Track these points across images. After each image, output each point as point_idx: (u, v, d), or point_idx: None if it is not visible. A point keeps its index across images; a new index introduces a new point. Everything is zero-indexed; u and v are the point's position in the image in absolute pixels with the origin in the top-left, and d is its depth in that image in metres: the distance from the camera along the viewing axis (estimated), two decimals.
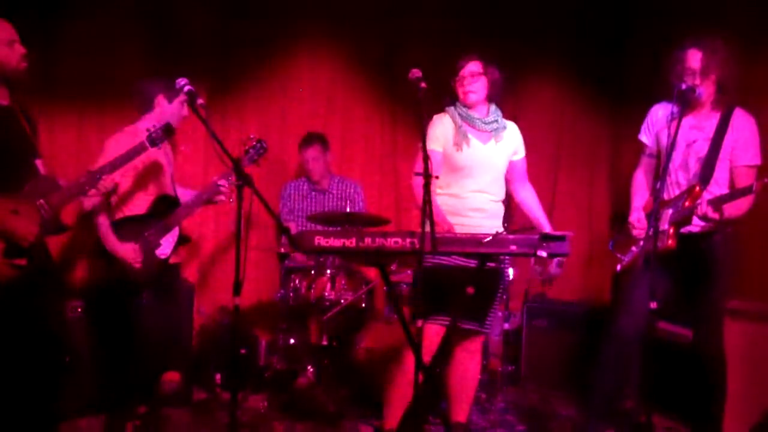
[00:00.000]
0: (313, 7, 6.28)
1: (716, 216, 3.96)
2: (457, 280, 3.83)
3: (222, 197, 4.73)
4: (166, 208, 4.62)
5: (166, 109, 4.69)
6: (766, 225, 4.90)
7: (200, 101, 3.66)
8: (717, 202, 3.97)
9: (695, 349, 4.39)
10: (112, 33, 5.65)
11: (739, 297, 4.63)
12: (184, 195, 4.80)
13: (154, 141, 4.13)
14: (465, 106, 4.21)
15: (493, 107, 4.27)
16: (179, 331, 5.50)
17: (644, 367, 4.26)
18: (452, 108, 4.25)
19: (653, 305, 3.75)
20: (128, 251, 4.46)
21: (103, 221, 4.44)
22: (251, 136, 4.84)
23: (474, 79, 4.17)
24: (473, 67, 4.19)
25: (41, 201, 3.72)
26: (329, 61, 6.44)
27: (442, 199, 4.16)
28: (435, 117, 4.24)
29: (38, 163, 3.89)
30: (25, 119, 3.87)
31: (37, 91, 5.33)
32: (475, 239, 3.61)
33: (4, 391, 3.71)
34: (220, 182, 4.71)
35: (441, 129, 4.18)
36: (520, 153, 4.40)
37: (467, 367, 4.20)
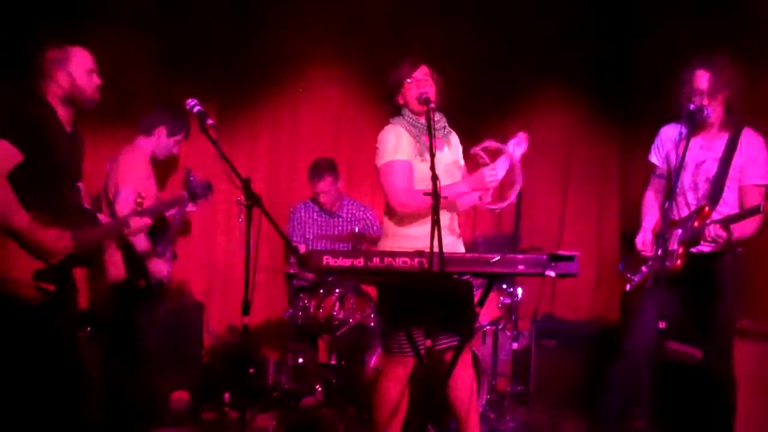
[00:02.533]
0: (326, 25, 6.31)
1: (725, 236, 3.96)
2: (421, 290, 3.66)
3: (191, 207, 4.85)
4: (159, 225, 4.74)
5: (162, 142, 4.99)
6: None
7: (210, 122, 3.69)
8: (725, 222, 3.97)
9: (705, 368, 4.38)
10: (123, 47, 5.67)
11: (749, 317, 4.63)
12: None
13: (194, 197, 4.35)
14: (414, 113, 3.97)
15: (438, 114, 4.02)
16: (187, 345, 5.54)
17: (653, 386, 4.25)
18: (400, 118, 4.00)
19: (662, 325, 3.75)
20: (162, 266, 4.74)
21: (142, 237, 4.61)
22: (185, 167, 4.98)
23: (428, 81, 3.95)
24: (425, 70, 3.98)
25: (75, 231, 3.71)
26: (340, 79, 6.48)
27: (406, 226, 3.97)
28: (388, 128, 4.01)
29: (80, 186, 3.93)
30: (75, 142, 3.90)
31: None
32: (483, 259, 3.60)
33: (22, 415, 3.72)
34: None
35: (403, 139, 3.95)
36: (461, 161, 4.18)
37: (462, 378, 4.12)
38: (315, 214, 6.01)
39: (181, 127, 5.03)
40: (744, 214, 4.02)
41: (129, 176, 4.69)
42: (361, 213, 6.03)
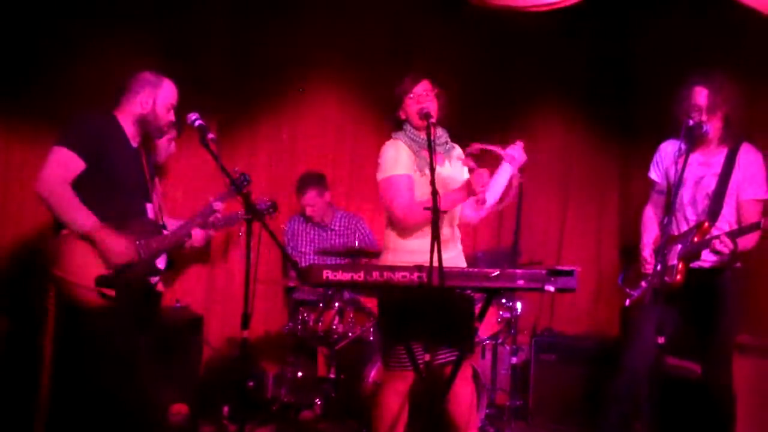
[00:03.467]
0: (326, 39, 6.32)
1: (732, 248, 4.01)
2: (421, 304, 3.64)
3: (218, 216, 4.77)
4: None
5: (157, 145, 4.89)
6: None
7: (211, 135, 3.71)
8: (732, 236, 4.01)
9: (704, 383, 4.38)
10: (123, 59, 5.68)
11: (748, 332, 4.63)
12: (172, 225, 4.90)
13: (261, 215, 4.32)
14: (415, 128, 4.01)
15: (439, 129, 4.05)
16: (186, 358, 5.53)
17: (653, 401, 4.25)
18: (401, 133, 4.04)
19: (661, 340, 3.75)
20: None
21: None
22: (235, 169, 4.93)
23: (429, 96, 3.97)
24: (426, 85, 4.01)
25: (140, 241, 3.81)
26: (340, 92, 6.49)
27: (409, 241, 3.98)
28: (389, 143, 4.05)
29: (150, 207, 4.01)
30: (147, 163, 4.03)
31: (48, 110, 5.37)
32: (482, 274, 3.61)
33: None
34: (214, 204, 4.75)
35: (403, 154, 3.98)
36: (465, 174, 4.14)
37: (461, 393, 4.12)
38: (308, 227, 6.02)
39: (172, 127, 5.03)
40: (744, 229, 4.06)
41: None
42: (354, 225, 6.04)
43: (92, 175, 3.70)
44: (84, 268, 3.63)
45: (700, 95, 4.19)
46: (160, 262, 4.73)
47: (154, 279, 4.71)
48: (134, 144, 3.93)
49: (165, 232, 4.01)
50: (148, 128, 3.94)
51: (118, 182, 3.81)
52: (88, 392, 3.71)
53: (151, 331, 4.86)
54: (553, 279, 3.56)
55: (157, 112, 3.91)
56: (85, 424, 3.70)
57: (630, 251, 4.71)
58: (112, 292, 3.65)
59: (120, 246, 3.71)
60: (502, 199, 4.01)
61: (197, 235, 4.17)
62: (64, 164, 3.68)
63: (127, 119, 3.90)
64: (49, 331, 3.93)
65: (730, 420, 4.30)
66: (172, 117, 3.98)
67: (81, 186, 3.70)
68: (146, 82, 3.94)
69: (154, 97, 3.91)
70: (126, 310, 3.76)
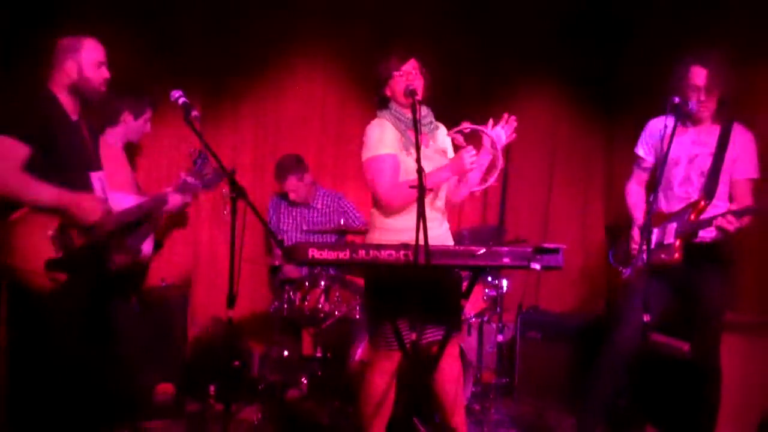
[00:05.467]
0: (311, 17, 6.29)
1: (736, 225, 4.04)
2: (407, 283, 3.65)
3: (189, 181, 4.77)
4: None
5: (131, 126, 4.97)
6: (763, 239, 4.93)
7: (195, 113, 3.67)
8: (737, 215, 4.05)
9: (691, 360, 4.41)
10: (105, 39, 5.62)
11: (736, 310, 4.65)
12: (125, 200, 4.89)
13: (208, 185, 4.41)
14: (400, 106, 3.97)
15: (424, 108, 4.03)
16: (172, 337, 5.53)
17: (639, 378, 4.27)
18: (386, 112, 4.00)
19: (647, 318, 3.76)
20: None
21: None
22: (193, 149, 4.91)
23: (416, 75, 3.94)
24: (413, 63, 3.96)
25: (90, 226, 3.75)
26: (324, 67, 6.46)
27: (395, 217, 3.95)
28: (373, 122, 4.01)
29: (95, 175, 3.92)
30: (90, 133, 3.96)
31: None
32: (468, 251, 3.60)
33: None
34: (186, 179, 4.74)
35: (388, 133, 3.96)
36: (450, 153, 4.14)
37: (448, 372, 4.13)
38: (290, 206, 6.01)
39: (146, 105, 4.99)
40: (748, 211, 4.09)
41: None
42: (336, 203, 6.03)
43: (37, 157, 3.63)
44: (33, 253, 3.57)
45: (699, 76, 4.18)
46: (147, 245, 4.74)
47: (147, 254, 4.74)
48: (74, 117, 3.84)
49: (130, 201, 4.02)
50: (85, 94, 3.82)
51: (62, 159, 3.72)
52: (45, 377, 3.66)
53: (134, 307, 4.88)
54: (539, 257, 3.57)
55: (85, 74, 3.79)
56: (45, 411, 3.67)
57: (615, 228, 4.70)
58: (62, 276, 3.61)
59: (91, 202, 3.68)
60: (485, 179, 3.98)
61: (174, 200, 4.20)
62: (9, 153, 3.59)
63: (61, 92, 3.80)
64: (1, 318, 3.86)
65: (714, 396, 4.32)
66: (104, 74, 3.85)
67: (28, 168, 3.62)
68: (66, 49, 3.81)
69: (78, 61, 3.78)
70: (79, 292, 3.72)
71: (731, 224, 4.05)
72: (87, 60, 3.81)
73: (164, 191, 4.22)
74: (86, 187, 3.81)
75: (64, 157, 3.73)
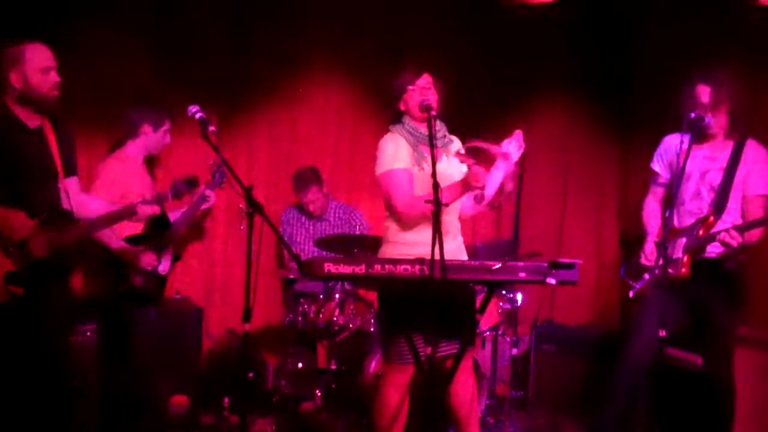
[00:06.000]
0: (325, 32, 6.30)
1: (740, 240, 4.04)
2: (422, 297, 3.68)
3: (207, 205, 5.15)
4: (159, 226, 4.82)
5: (151, 137, 4.98)
6: None
7: (212, 128, 3.69)
8: (741, 229, 4.04)
9: (705, 375, 4.40)
10: (121, 49, 5.67)
11: (749, 324, 4.64)
12: (172, 215, 5.05)
13: (178, 194, 4.34)
14: (414, 120, 3.97)
15: (438, 122, 4.02)
16: (186, 350, 5.55)
17: (653, 393, 4.27)
18: (399, 126, 4.00)
19: (663, 333, 3.76)
20: (147, 258, 4.69)
21: (113, 235, 4.55)
22: (212, 162, 5.12)
23: (430, 89, 3.93)
24: (427, 78, 3.96)
25: (52, 234, 3.72)
26: (339, 85, 6.46)
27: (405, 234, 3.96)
28: (386, 137, 4.01)
29: (71, 182, 3.92)
30: (59, 139, 3.88)
31: None
32: (484, 266, 3.61)
33: (7, 415, 3.73)
34: (205, 192, 5.09)
35: (402, 148, 3.94)
36: (464, 168, 4.04)
37: (462, 385, 4.13)
38: (302, 217, 6.03)
39: (164, 116, 5.02)
40: (755, 223, 4.11)
41: (100, 186, 4.70)
42: (348, 216, 6.04)
43: None
44: None
45: (703, 93, 4.22)
46: (165, 257, 4.80)
47: (165, 270, 4.79)
48: (32, 125, 3.79)
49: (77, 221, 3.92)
50: (35, 102, 3.75)
51: (16, 170, 3.70)
52: (11, 388, 3.68)
53: (154, 324, 4.91)
54: (554, 272, 3.58)
55: (30, 83, 3.71)
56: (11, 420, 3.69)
57: (629, 243, 4.71)
58: (19, 290, 3.62)
59: (18, 220, 3.63)
60: (499, 194, 3.98)
61: (143, 210, 4.10)
62: None
63: (13, 103, 3.74)
64: None
65: (729, 411, 4.32)
66: (54, 78, 3.75)
67: None
68: (8, 59, 3.72)
69: (22, 70, 3.70)
70: (40, 305, 3.72)
71: (734, 239, 4.05)
72: (30, 68, 3.71)
73: (134, 203, 4.12)
74: (49, 195, 3.79)
75: (18, 168, 3.70)
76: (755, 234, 4.14)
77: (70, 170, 3.94)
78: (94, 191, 4.63)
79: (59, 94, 3.81)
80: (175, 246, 5.01)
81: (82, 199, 4.03)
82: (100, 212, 4.02)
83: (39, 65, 3.73)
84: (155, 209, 4.16)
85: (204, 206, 5.20)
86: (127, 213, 4.05)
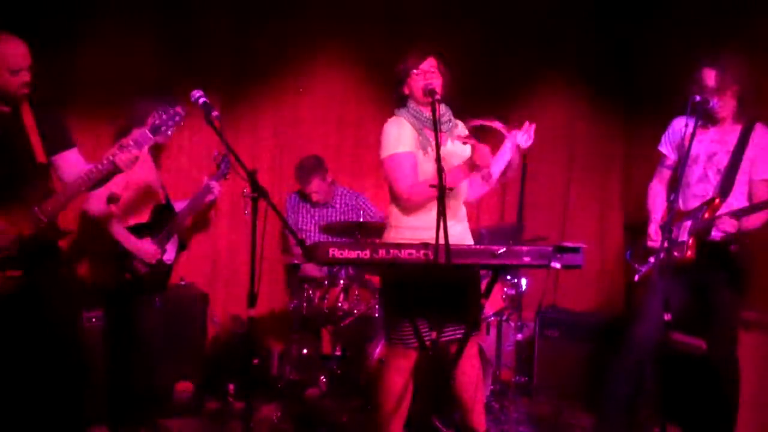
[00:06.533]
0: (328, 18, 6.29)
1: (735, 227, 4.05)
2: (426, 282, 3.67)
3: (212, 197, 5.17)
4: (164, 215, 4.84)
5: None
6: None
7: (215, 113, 3.68)
8: (737, 215, 4.02)
9: (709, 359, 4.40)
10: (126, 41, 5.67)
11: (753, 308, 4.64)
12: (178, 205, 5.05)
13: (157, 129, 4.09)
14: (418, 104, 3.95)
15: (443, 106, 4.00)
16: (191, 336, 5.56)
17: (658, 377, 4.27)
18: (404, 110, 3.99)
19: (667, 317, 3.75)
20: (150, 248, 4.68)
21: (117, 223, 4.56)
22: (217, 153, 5.19)
23: (434, 73, 3.92)
24: (432, 62, 3.95)
25: (36, 209, 3.74)
26: (343, 71, 6.46)
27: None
28: (391, 120, 4.00)
29: (66, 156, 3.93)
30: (38, 120, 3.86)
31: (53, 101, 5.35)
32: (488, 251, 3.60)
33: (19, 400, 3.74)
34: (210, 183, 5.13)
35: (406, 131, 3.93)
36: (468, 151, 3.98)
37: (467, 370, 4.13)
38: (307, 204, 6.02)
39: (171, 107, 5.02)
40: (756, 207, 4.10)
41: None
42: (354, 202, 6.03)
43: None
44: None
45: (709, 77, 4.22)
46: (171, 246, 4.81)
47: (170, 259, 4.79)
48: (4, 109, 3.79)
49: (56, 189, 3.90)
50: (4, 98, 3.75)
51: None
52: (26, 374, 3.74)
53: (158, 311, 4.92)
54: (559, 256, 3.57)
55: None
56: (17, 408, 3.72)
57: (634, 227, 4.70)
58: (17, 273, 3.64)
59: None
60: (503, 175, 3.98)
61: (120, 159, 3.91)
62: None
63: None
64: None
65: (733, 395, 4.33)
66: (23, 78, 3.72)
67: None
68: None
69: None
70: (42, 287, 3.75)
71: (730, 225, 4.06)
72: (0, 67, 3.69)
73: (107, 155, 3.92)
74: (30, 179, 3.80)
75: None
76: (757, 219, 4.14)
77: (60, 146, 3.93)
78: None
79: (28, 91, 3.79)
80: (180, 235, 5.02)
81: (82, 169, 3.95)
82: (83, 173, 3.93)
83: (9, 66, 3.71)
84: (133, 154, 3.92)
85: (208, 198, 5.20)
86: (108, 168, 3.87)
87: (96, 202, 4.43)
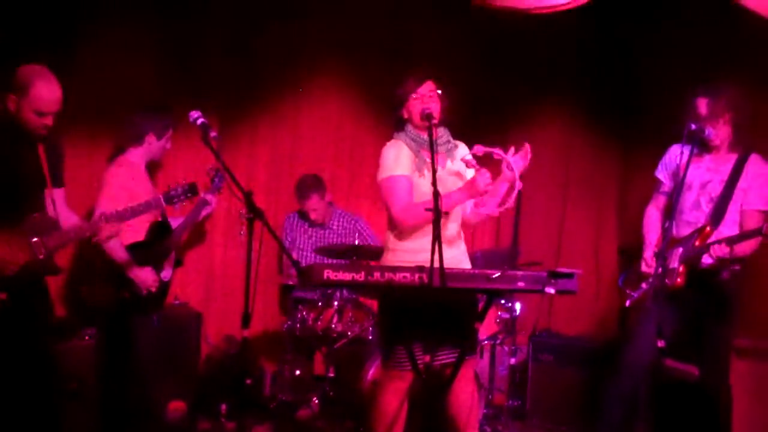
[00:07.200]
0: (326, 39, 6.31)
1: (726, 253, 4.06)
2: (423, 304, 3.68)
3: (208, 210, 5.20)
4: (161, 233, 4.86)
5: (154, 146, 5.00)
6: None
7: (213, 134, 3.70)
8: (730, 242, 4.04)
9: (702, 385, 4.40)
10: (125, 58, 5.68)
11: (746, 335, 4.64)
12: (173, 222, 5.06)
13: (171, 200, 4.37)
14: (416, 128, 3.98)
15: (441, 128, 4.03)
16: (185, 355, 5.55)
17: (651, 403, 4.26)
18: (402, 134, 4.02)
19: (661, 343, 3.76)
20: (149, 276, 4.68)
21: (119, 247, 4.55)
22: (211, 167, 5.19)
23: (433, 97, 3.95)
24: (430, 86, 3.98)
25: (36, 240, 3.72)
26: (340, 89, 6.49)
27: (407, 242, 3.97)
28: (389, 144, 4.03)
29: (58, 193, 3.92)
30: (46, 149, 3.87)
31: None
32: (483, 275, 3.61)
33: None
34: (206, 197, 5.15)
35: (404, 155, 3.96)
36: (467, 174, 4.08)
37: (461, 393, 4.11)
38: (305, 224, 6.03)
39: (167, 126, 5.02)
40: (747, 235, 4.11)
41: (108, 194, 4.69)
42: (352, 225, 6.05)
43: None
44: None
45: (701, 105, 4.27)
46: (167, 264, 4.81)
47: (167, 276, 4.80)
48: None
49: (63, 227, 3.88)
50: (22, 129, 3.74)
51: (5, 183, 3.71)
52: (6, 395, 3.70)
53: (154, 330, 4.91)
54: (553, 281, 3.58)
55: (22, 116, 3.69)
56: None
57: (629, 253, 4.72)
58: (3, 295, 3.63)
59: (6, 249, 3.65)
60: (502, 203, 3.99)
61: (105, 231, 3.96)
62: None
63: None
64: None
65: (725, 422, 4.33)
66: (46, 122, 3.73)
67: None
68: (14, 82, 3.68)
69: (20, 101, 3.67)
70: (22, 311, 3.72)
71: (722, 251, 4.07)
72: (28, 105, 3.67)
73: (95, 220, 4.02)
74: (38, 208, 3.81)
75: (9, 175, 3.73)
76: (748, 246, 4.15)
77: (58, 182, 3.95)
78: (102, 199, 4.64)
79: (46, 134, 3.79)
80: (177, 251, 5.02)
81: (65, 213, 4.00)
82: (74, 225, 3.96)
83: (39, 108, 3.69)
84: (115, 229, 4.00)
85: (205, 212, 5.21)
86: (90, 229, 3.93)
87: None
